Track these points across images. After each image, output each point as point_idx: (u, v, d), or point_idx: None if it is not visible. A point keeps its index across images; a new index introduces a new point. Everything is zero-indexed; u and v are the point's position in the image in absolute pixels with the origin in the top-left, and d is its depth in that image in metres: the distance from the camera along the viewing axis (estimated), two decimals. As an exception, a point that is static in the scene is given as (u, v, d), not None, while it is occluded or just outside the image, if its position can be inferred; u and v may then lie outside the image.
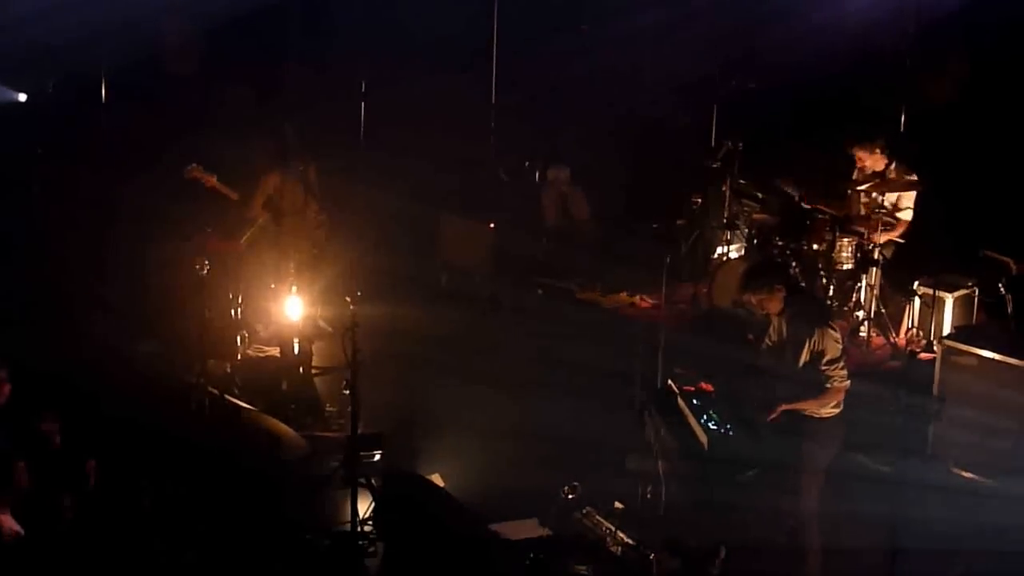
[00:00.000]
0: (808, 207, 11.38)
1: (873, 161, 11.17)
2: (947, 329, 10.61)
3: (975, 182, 11.65)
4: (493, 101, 14.52)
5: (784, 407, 7.54)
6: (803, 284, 10.98)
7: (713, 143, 13.31)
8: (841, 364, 7.56)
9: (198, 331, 9.76)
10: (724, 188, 12.75)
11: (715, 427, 7.51)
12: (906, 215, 11.22)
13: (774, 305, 7.76)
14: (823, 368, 7.50)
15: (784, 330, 7.80)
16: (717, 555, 7.65)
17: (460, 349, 11.46)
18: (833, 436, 7.67)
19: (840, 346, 7.59)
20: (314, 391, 10.62)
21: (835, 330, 7.64)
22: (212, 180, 10.67)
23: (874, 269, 10.96)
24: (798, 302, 7.85)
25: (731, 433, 7.47)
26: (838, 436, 7.70)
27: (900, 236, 11.21)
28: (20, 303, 11.27)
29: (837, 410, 7.63)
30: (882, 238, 10.94)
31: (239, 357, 10.72)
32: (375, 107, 13.67)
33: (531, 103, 14.65)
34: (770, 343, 7.88)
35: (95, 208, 12.68)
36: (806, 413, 7.56)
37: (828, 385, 7.52)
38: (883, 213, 10.88)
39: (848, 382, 7.62)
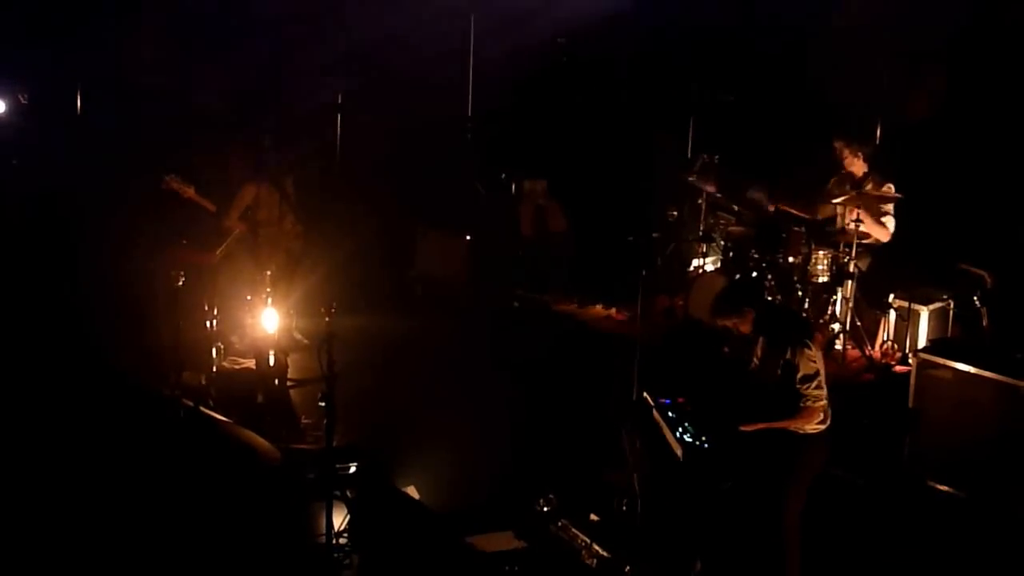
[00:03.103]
0: (775, 210, 11.43)
1: (853, 163, 11.19)
2: (922, 342, 10.66)
3: (951, 195, 11.70)
4: (469, 113, 14.51)
5: (762, 425, 7.51)
6: (779, 298, 11.01)
7: (689, 155, 13.34)
8: (815, 383, 7.46)
9: (173, 343, 9.72)
10: (700, 201, 12.78)
11: (690, 439, 7.50)
12: (888, 221, 11.21)
13: (746, 326, 7.74)
14: (797, 386, 7.46)
15: (764, 347, 7.80)
16: (693, 568, 7.65)
17: (436, 361, 11.45)
18: (818, 452, 7.62)
19: (816, 365, 7.49)
20: (289, 403, 10.58)
21: (811, 348, 7.54)
22: (189, 191, 10.66)
23: (849, 282, 10.98)
24: (771, 319, 7.83)
25: (706, 445, 7.45)
26: (823, 452, 7.65)
27: (884, 242, 11.24)
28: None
29: (823, 426, 7.55)
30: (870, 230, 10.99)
31: (214, 369, 10.65)
32: (352, 118, 13.68)
33: (506, 115, 14.65)
34: (756, 360, 7.87)
35: (70, 219, 12.61)
36: (791, 429, 7.52)
37: (803, 404, 7.45)
38: (859, 225, 10.92)
39: (825, 401, 7.53)
